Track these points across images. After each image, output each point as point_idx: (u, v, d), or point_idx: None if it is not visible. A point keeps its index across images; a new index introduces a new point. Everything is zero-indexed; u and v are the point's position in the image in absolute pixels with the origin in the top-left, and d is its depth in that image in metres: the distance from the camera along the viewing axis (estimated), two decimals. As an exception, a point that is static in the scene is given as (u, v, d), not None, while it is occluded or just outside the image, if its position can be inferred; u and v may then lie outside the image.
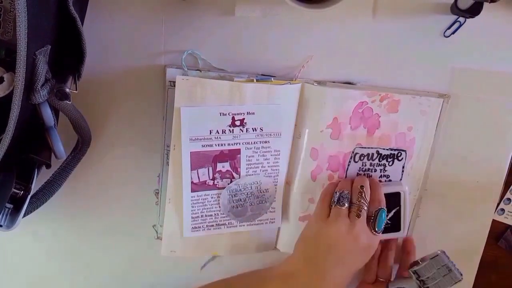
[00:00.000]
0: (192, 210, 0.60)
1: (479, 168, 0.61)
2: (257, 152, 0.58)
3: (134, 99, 0.60)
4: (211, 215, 0.61)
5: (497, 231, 0.67)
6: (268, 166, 0.60)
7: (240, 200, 0.61)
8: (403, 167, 0.61)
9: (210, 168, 0.58)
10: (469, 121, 0.60)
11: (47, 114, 0.46)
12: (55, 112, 0.50)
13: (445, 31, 0.57)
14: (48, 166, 0.55)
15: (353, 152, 0.59)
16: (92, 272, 0.67)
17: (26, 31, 0.37)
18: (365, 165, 0.60)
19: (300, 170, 0.60)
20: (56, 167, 0.55)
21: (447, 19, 0.56)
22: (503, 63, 0.58)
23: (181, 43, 0.57)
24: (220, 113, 0.56)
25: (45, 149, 0.52)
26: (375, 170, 0.60)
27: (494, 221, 0.64)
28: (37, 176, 0.52)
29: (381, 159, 0.60)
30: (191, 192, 0.59)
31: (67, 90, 0.45)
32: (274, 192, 0.61)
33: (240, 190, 0.60)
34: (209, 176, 0.59)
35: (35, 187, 0.51)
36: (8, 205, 0.49)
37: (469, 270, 0.65)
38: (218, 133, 0.56)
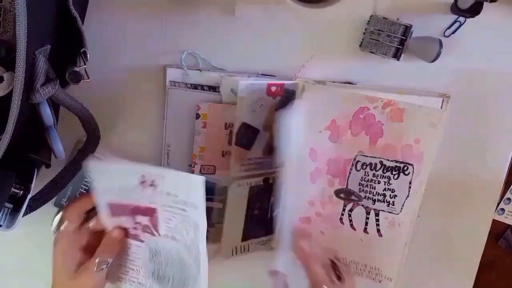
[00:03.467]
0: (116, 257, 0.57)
1: (479, 168, 0.61)
2: (176, 218, 0.54)
3: (134, 99, 0.60)
4: (133, 269, 0.59)
5: (497, 231, 0.67)
6: (189, 240, 0.55)
7: (161, 264, 0.57)
8: (410, 183, 0.56)
9: (131, 218, 0.56)
10: (469, 120, 0.60)
11: (47, 113, 0.46)
12: (55, 112, 0.50)
13: (445, 31, 0.57)
14: (48, 166, 0.54)
15: (354, 160, 0.57)
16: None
17: (26, 31, 0.37)
18: (368, 175, 0.57)
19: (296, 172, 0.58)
20: (56, 167, 0.55)
21: (447, 19, 0.56)
22: (503, 62, 0.58)
23: (181, 43, 0.57)
24: (129, 173, 0.53)
25: (44, 149, 0.52)
26: (379, 182, 0.56)
27: (494, 220, 0.64)
28: (36, 176, 0.52)
29: (385, 171, 0.56)
30: None
31: (77, 68, 0.46)
32: (198, 273, 0.56)
33: (160, 252, 0.57)
34: (131, 225, 0.56)
35: (34, 187, 0.51)
36: (8, 205, 0.49)
37: (469, 270, 0.65)
38: (129, 189, 0.53)
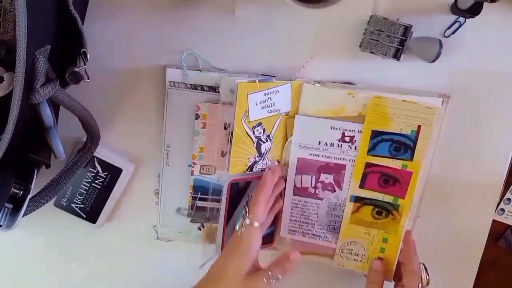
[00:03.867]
0: (291, 213, 0.61)
1: (479, 168, 0.61)
2: None
3: (134, 99, 0.60)
4: (308, 223, 0.61)
5: (497, 231, 0.67)
6: None
7: (339, 216, 0.61)
8: None
9: (314, 177, 0.59)
10: (469, 121, 0.60)
11: (47, 114, 0.46)
12: (55, 112, 0.50)
13: (445, 31, 0.57)
14: (48, 166, 0.55)
15: None
16: (93, 273, 0.67)
17: (26, 31, 0.37)
18: None
19: None
20: (57, 167, 0.55)
21: (447, 19, 0.56)
22: (503, 62, 0.58)
23: (181, 43, 0.57)
24: (331, 127, 0.55)
25: (44, 149, 0.52)
26: None
27: (494, 221, 0.64)
28: (36, 176, 0.52)
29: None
30: (293, 195, 0.60)
31: (77, 69, 0.46)
32: None
33: (340, 205, 0.60)
34: (311, 184, 0.59)
35: (34, 187, 0.51)
36: (8, 205, 0.49)
37: (469, 270, 0.65)
38: (327, 145, 0.56)
